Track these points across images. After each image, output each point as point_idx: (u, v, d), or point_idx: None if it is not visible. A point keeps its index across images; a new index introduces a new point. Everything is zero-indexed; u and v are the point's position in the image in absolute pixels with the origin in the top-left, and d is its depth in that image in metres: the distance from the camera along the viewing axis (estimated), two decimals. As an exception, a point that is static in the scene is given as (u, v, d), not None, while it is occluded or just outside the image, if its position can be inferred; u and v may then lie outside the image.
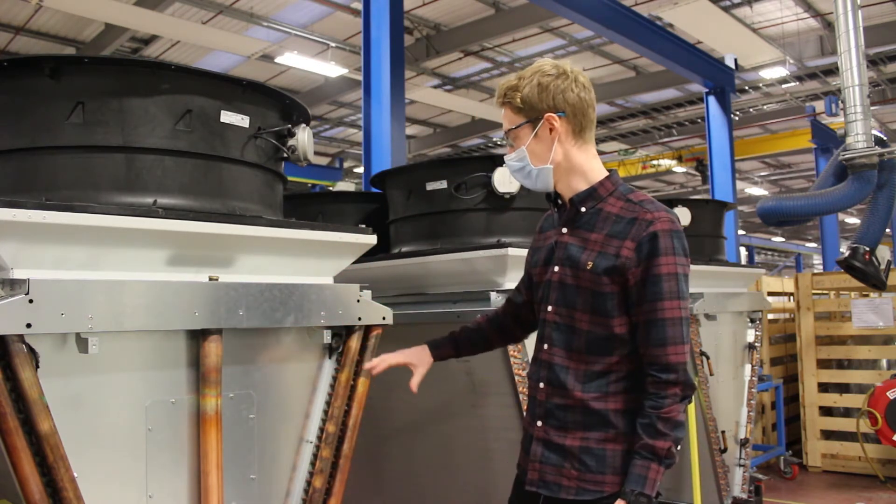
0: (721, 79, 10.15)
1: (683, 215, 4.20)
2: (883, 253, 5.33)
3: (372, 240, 2.37)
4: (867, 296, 6.42)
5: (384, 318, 2.32)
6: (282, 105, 2.29)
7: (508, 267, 2.81)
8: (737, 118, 13.86)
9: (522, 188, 2.96)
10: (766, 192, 22.36)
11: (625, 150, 18.20)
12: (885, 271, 5.31)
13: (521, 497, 1.97)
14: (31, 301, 1.58)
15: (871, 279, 5.26)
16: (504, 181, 2.97)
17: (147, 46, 12.07)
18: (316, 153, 11.14)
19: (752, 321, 4.75)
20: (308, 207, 3.60)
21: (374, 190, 3.73)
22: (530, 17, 10.69)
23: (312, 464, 2.19)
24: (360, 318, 2.25)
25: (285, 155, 2.27)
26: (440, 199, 3.11)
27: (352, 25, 11.05)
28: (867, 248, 5.20)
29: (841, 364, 6.73)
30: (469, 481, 3.13)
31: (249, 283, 1.98)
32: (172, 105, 1.98)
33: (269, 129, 2.20)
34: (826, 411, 6.58)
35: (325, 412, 2.22)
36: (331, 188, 4.69)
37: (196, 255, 1.97)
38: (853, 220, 23.64)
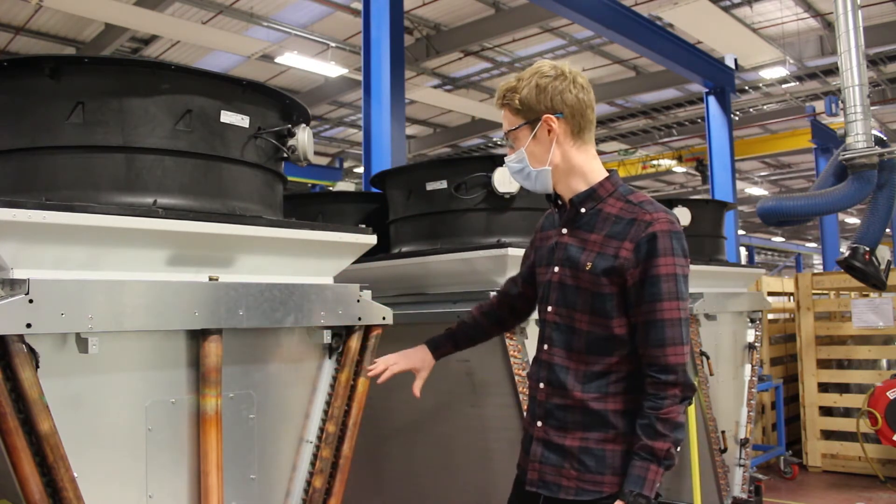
0: (721, 79, 10.15)
1: (683, 215, 4.20)
2: (883, 253, 5.33)
3: (372, 240, 2.37)
4: (867, 296, 6.42)
5: (384, 318, 2.32)
6: (282, 105, 2.29)
7: (508, 267, 2.81)
8: (737, 118, 13.86)
9: (522, 188, 2.96)
10: (766, 192, 22.36)
11: (625, 150, 18.20)
12: (885, 271, 5.31)
13: (521, 497, 1.97)
14: (31, 301, 1.58)
15: (871, 279, 5.26)
16: (504, 181, 2.97)
17: (147, 46, 12.07)
18: (316, 153, 11.15)
19: (752, 321, 4.75)
20: (308, 207, 3.60)
21: (374, 190, 3.73)
22: (530, 17, 10.69)
23: (312, 464, 2.19)
24: (360, 318, 2.25)
25: (285, 155, 2.27)
26: (440, 199, 3.11)
27: (352, 25, 11.05)
28: (867, 248, 5.20)
29: (841, 364, 6.73)
30: (469, 481, 3.13)
31: (249, 283, 1.98)
32: (172, 105, 1.98)
33: (269, 129, 2.20)
34: (826, 411, 6.58)
35: (325, 412, 2.22)
36: (331, 188, 4.69)
37: (196, 255, 1.97)
38: (853, 220, 23.64)
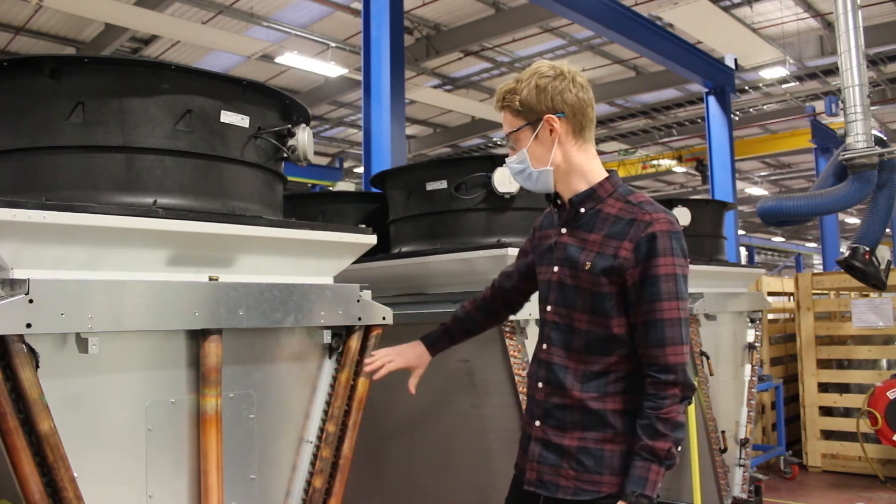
0: (721, 79, 10.15)
1: (683, 215, 4.20)
2: (883, 253, 5.33)
3: (372, 240, 2.37)
4: (867, 296, 6.42)
5: (384, 318, 2.32)
6: (282, 105, 2.29)
7: (508, 267, 2.81)
8: (737, 118, 13.86)
9: (522, 188, 2.97)
10: (766, 192, 22.36)
11: (625, 150, 18.20)
12: (885, 271, 5.31)
13: (519, 497, 1.97)
14: (31, 301, 1.58)
15: (871, 279, 5.26)
16: (504, 181, 2.97)
17: (147, 46, 12.07)
18: (316, 153, 11.15)
19: (752, 321, 4.75)
20: (308, 207, 3.60)
21: (374, 190, 3.73)
22: (530, 17, 10.69)
23: (312, 464, 2.19)
24: (360, 318, 2.25)
25: (285, 155, 2.27)
26: (440, 199, 3.11)
27: (352, 25, 11.05)
28: (867, 248, 5.20)
29: (841, 364, 6.73)
30: (469, 481, 3.13)
31: (249, 283, 1.98)
32: (172, 105, 1.98)
33: (269, 129, 2.20)
34: (826, 411, 6.58)
35: (325, 412, 2.22)
36: (331, 188, 4.69)
37: (196, 255, 1.97)
38: (853, 220, 23.64)
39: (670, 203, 4.27)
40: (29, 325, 1.57)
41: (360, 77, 6.00)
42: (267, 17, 10.94)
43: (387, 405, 3.14)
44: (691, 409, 3.80)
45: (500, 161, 2.98)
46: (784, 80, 13.03)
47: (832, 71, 11.99)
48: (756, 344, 4.73)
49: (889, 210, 5.26)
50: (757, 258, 28.69)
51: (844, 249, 5.69)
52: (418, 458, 3.35)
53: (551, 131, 1.86)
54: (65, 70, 1.91)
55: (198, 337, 1.91)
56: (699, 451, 3.85)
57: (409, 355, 2.24)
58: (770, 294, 7.10)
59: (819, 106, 13.62)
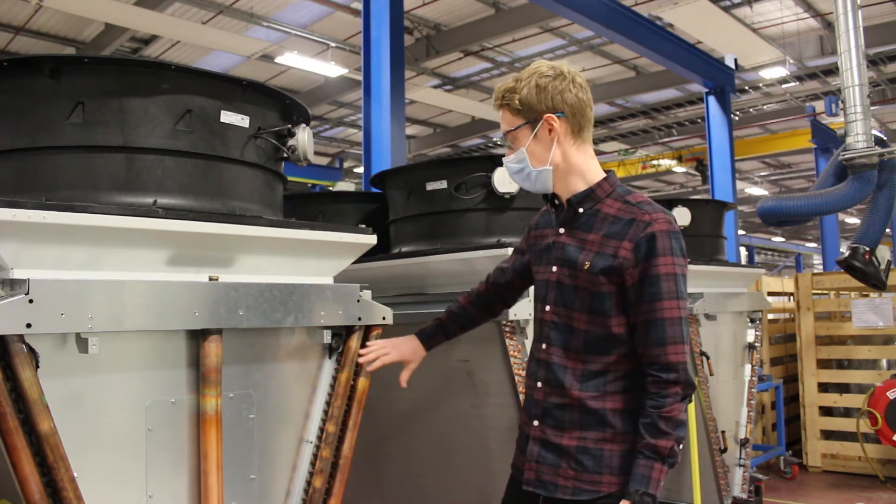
0: (721, 79, 10.15)
1: (683, 215, 4.20)
2: (883, 253, 5.33)
3: (372, 240, 2.37)
4: (867, 296, 6.42)
5: (384, 318, 2.32)
6: (282, 105, 2.29)
7: (508, 267, 2.80)
8: (737, 118, 13.86)
9: (522, 188, 2.97)
10: (766, 192, 22.35)
11: (625, 150, 18.20)
12: (885, 271, 5.31)
13: (517, 497, 1.97)
14: (31, 301, 1.58)
15: (871, 279, 5.26)
16: (504, 181, 2.97)
17: (147, 46, 12.07)
18: (316, 153, 11.14)
19: (752, 321, 4.75)
20: (308, 207, 3.60)
21: (374, 190, 3.73)
22: (530, 17, 10.69)
23: (312, 464, 2.19)
24: (360, 318, 2.25)
25: (285, 155, 2.27)
26: (440, 199, 3.11)
27: (352, 25, 11.05)
28: (867, 248, 5.20)
29: (841, 364, 6.73)
30: (469, 481, 3.13)
31: (249, 283, 1.98)
32: (172, 105, 1.98)
33: (269, 129, 2.20)
34: (826, 411, 6.58)
35: (325, 412, 2.22)
36: (331, 188, 4.68)
37: (196, 255, 1.97)
38: (853, 220, 23.64)
39: (670, 203, 4.27)
40: (29, 325, 1.57)
41: (360, 77, 6.00)
42: (267, 17, 10.94)
43: (387, 405, 3.14)
44: (691, 409, 3.80)
45: (500, 161, 2.98)
46: (784, 80, 13.03)
47: (832, 71, 11.99)
48: (756, 344, 4.73)
49: (889, 210, 5.26)
50: (757, 258, 28.69)
51: (844, 249, 5.69)
52: (418, 458, 3.35)
53: (550, 131, 1.86)
54: (65, 70, 1.91)
55: (198, 337, 1.90)
56: (699, 451, 3.84)
57: (404, 349, 2.25)
58: (770, 294, 7.10)
59: (819, 106, 13.62)
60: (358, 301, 2.24)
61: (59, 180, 1.88)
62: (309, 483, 2.17)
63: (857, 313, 6.34)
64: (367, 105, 5.73)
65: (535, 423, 1.92)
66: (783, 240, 30.69)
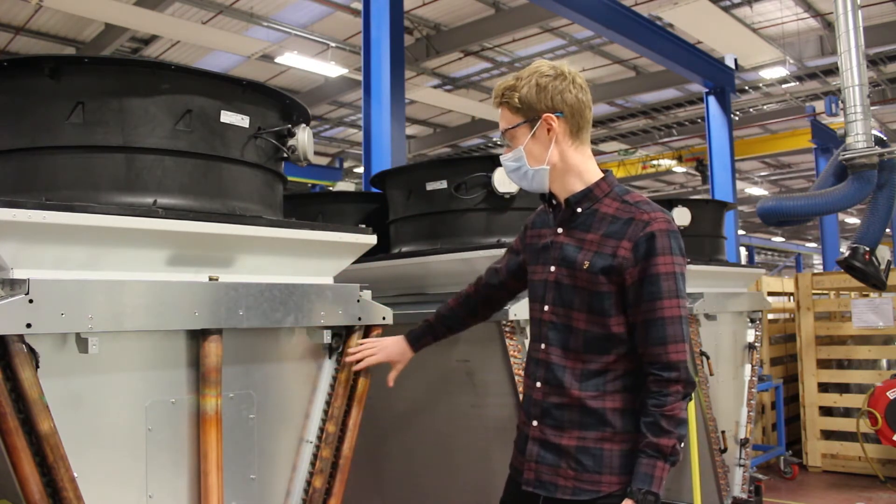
0: (721, 79, 10.15)
1: (683, 215, 4.20)
2: (883, 253, 5.33)
3: (372, 240, 2.37)
4: (867, 296, 6.42)
5: (384, 318, 2.32)
6: (282, 105, 2.29)
7: (508, 267, 2.80)
8: (737, 118, 13.86)
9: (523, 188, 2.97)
10: (766, 192, 22.35)
11: (625, 150, 18.20)
12: (885, 271, 5.31)
13: (515, 497, 1.97)
14: (31, 301, 1.58)
15: (871, 279, 5.26)
16: (504, 181, 2.97)
17: (147, 46, 12.07)
18: (316, 153, 11.15)
19: (752, 321, 4.75)
20: (308, 207, 3.60)
21: (374, 190, 3.73)
22: (530, 17, 10.69)
23: (312, 464, 2.19)
24: (360, 318, 2.25)
25: (285, 155, 2.27)
26: (440, 199, 3.11)
27: (352, 25, 11.05)
28: (867, 248, 5.20)
29: (841, 364, 6.73)
30: (469, 481, 3.13)
31: (249, 283, 1.98)
32: (172, 105, 1.98)
33: (269, 129, 2.20)
34: (826, 411, 6.57)
35: (325, 412, 2.22)
36: (331, 188, 4.68)
37: (196, 255, 1.97)
38: (853, 220, 23.64)
39: (670, 203, 4.26)
40: (29, 325, 1.57)
41: (360, 77, 6.00)
42: (267, 17, 10.94)
43: (387, 405, 3.14)
44: (691, 408, 3.79)
45: (500, 161, 2.98)
46: (784, 80, 13.03)
47: (832, 71, 11.99)
48: (756, 344, 4.73)
49: (889, 210, 5.26)
50: (757, 258, 28.69)
51: (844, 249, 5.69)
52: (418, 458, 3.35)
53: (549, 130, 1.86)
54: (65, 70, 1.91)
55: (198, 337, 1.91)
56: (699, 451, 3.84)
57: (392, 350, 2.26)
58: (770, 294, 7.10)
59: (819, 106, 13.62)
60: (358, 301, 2.24)
61: (59, 180, 1.88)
62: (309, 483, 2.17)
63: (857, 313, 6.34)
64: (367, 105, 5.73)
65: (535, 423, 1.92)
66: (783, 240, 30.69)
